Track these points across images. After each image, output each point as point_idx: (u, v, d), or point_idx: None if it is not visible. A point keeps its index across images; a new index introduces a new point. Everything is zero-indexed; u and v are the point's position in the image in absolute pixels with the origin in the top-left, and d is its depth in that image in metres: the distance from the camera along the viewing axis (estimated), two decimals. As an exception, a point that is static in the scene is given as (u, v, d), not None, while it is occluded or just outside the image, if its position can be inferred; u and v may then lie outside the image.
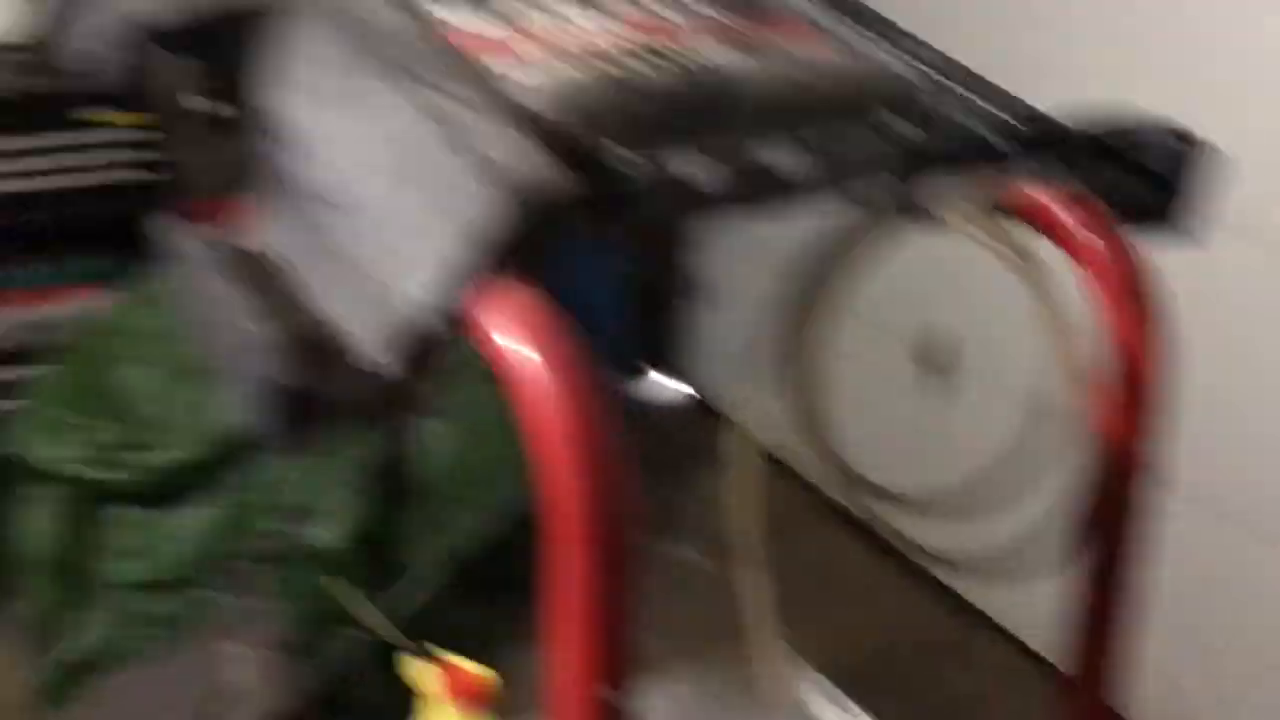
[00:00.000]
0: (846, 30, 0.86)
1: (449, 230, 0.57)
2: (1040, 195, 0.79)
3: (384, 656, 1.38)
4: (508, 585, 2.13)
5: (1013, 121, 0.79)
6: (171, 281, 0.60)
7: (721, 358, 2.42)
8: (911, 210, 0.78)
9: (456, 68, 0.65)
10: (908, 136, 0.76)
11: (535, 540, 0.58)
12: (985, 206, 0.78)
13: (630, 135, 0.69)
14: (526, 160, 0.59)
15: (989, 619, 2.06)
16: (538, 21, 0.75)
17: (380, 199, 0.61)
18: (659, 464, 2.99)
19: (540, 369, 0.57)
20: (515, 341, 0.57)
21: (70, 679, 1.85)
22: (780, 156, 0.71)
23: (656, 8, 0.81)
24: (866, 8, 0.88)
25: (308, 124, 0.65)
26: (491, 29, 0.73)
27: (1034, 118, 0.80)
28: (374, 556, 1.72)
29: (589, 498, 0.56)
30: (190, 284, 0.58)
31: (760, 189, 0.70)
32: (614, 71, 0.71)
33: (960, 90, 0.80)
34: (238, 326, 0.54)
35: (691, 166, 0.68)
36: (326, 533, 1.65)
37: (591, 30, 0.76)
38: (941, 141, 0.77)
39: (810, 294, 0.81)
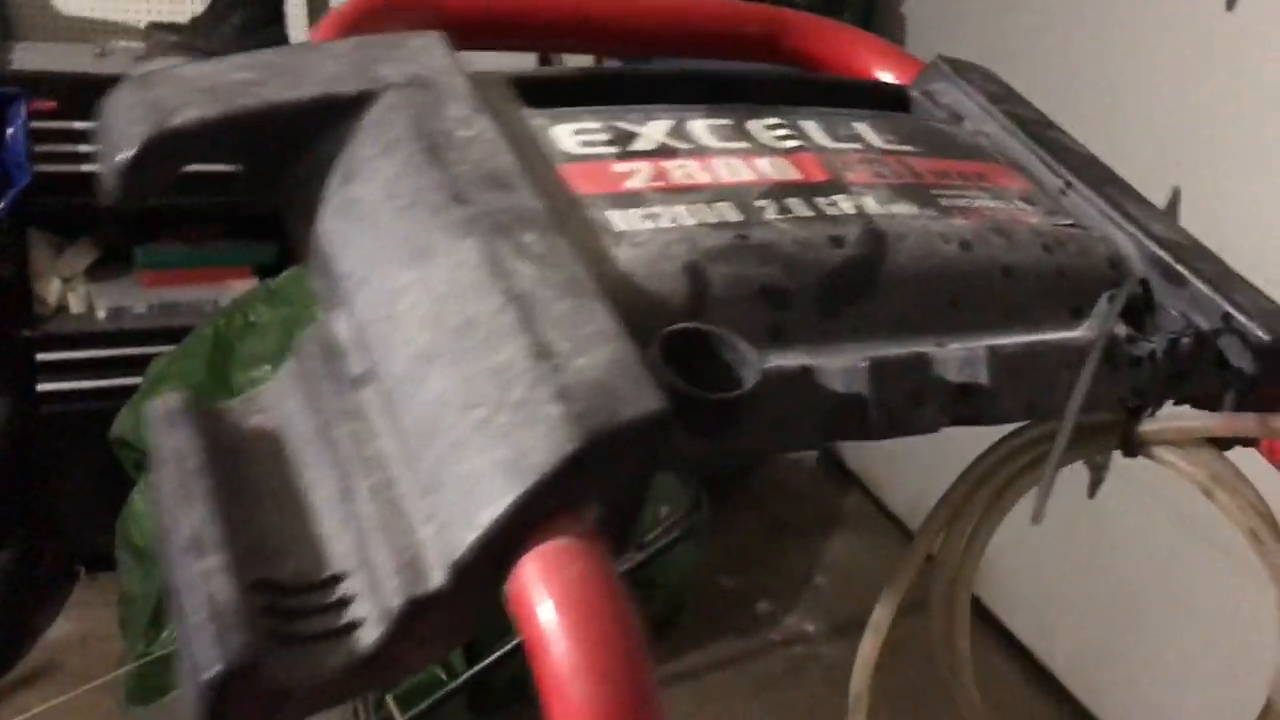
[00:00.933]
0: (1061, 183, 0.68)
1: (498, 452, 0.43)
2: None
3: None
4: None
5: (1260, 332, 0.60)
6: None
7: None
8: (1122, 444, 0.60)
9: (553, 219, 0.51)
10: (1130, 352, 0.58)
11: None
12: (1201, 436, 0.60)
13: (758, 322, 0.54)
14: (611, 370, 0.44)
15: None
16: (673, 149, 0.60)
17: (422, 385, 0.47)
18: (784, 527, 2.83)
19: (577, 661, 0.42)
20: (551, 614, 0.42)
21: (162, 672, 1.82)
22: (959, 368, 0.54)
23: (823, 139, 0.64)
24: (1090, 157, 0.70)
25: (358, 269, 0.51)
26: (614, 159, 0.58)
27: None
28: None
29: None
30: (159, 483, 0.45)
31: (924, 411, 0.54)
32: (756, 230, 0.56)
33: (1199, 284, 0.62)
34: (191, 562, 0.41)
35: (835, 373, 0.52)
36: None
37: (738, 167, 0.60)
38: (1171, 359, 0.59)
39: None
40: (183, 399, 0.46)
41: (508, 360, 0.45)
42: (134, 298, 2.29)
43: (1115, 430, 0.59)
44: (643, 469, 0.45)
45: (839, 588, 2.66)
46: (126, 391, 2.00)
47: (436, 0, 0.69)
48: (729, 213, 0.56)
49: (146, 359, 2.04)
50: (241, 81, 0.54)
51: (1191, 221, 0.68)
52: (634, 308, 0.51)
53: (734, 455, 0.51)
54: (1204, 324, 0.61)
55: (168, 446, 0.44)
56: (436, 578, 0.42)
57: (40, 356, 2.16)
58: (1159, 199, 0.69)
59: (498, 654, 1.89)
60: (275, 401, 0.50)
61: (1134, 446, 0.59)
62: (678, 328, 0.50)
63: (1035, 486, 0.61)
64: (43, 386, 2.16)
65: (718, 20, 0.78)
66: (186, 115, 0.51)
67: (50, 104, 2.12)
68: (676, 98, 0.65)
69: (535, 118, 0.60)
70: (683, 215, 0.55)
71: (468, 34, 0.71)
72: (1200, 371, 0.60)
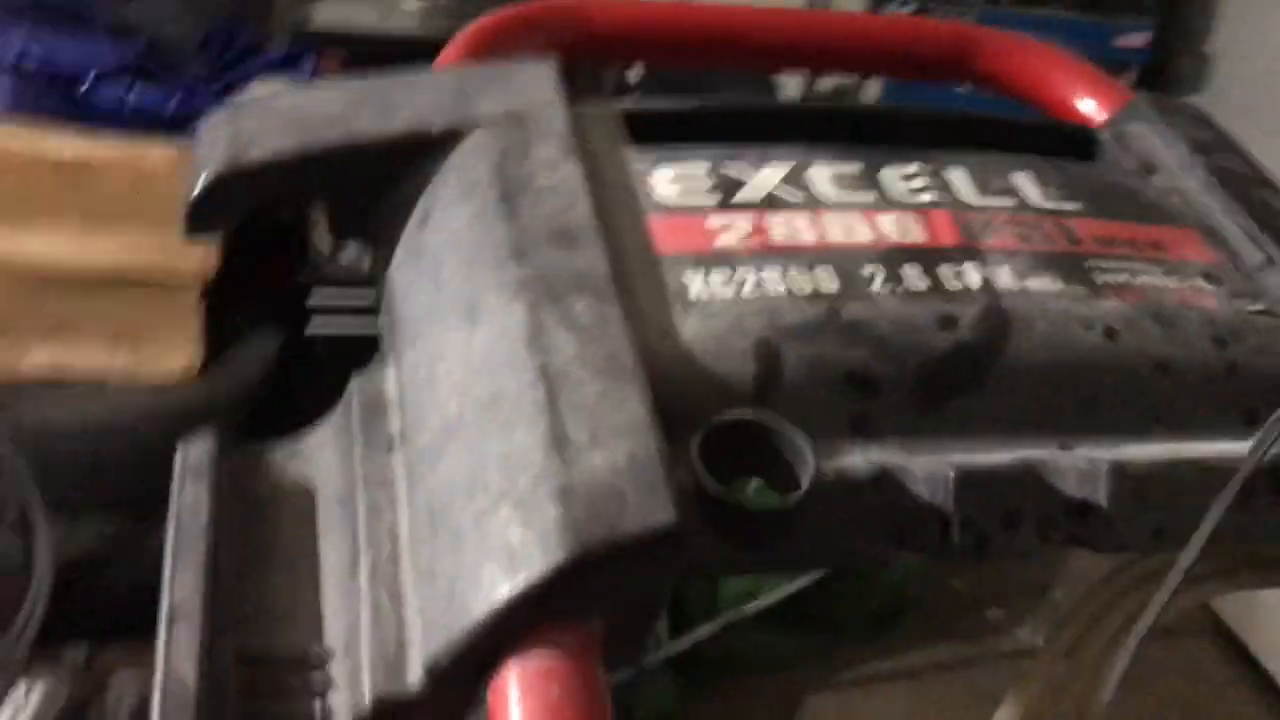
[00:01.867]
0: (1262, 257, 0.58)
1: (491, 550, 0.40)
2: None
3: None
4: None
5: None
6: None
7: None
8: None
9: (616, 283, 0.47)
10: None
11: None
12: None
13: (840, 412, 0.48)
14: (625, 470, 0.40)
15: None
16: (782, 200, 0.55)
17: (440, 460, 0.44)
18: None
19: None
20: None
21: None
22: (1077, 482, 0.47)
23: (969, 192, 0.57)
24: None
25: (414, 322, 0.49)
26: (712, 211, 0.53)
27: None
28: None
29: None
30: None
31: (1022, 533, 0.47)
32: (852, 303, 0.50)
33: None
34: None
35: (918, 480, 0.46)
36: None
37: (854, 224, 0.54)
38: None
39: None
40: (211, 444, 0.46)
41: (521, 446, 0.42)
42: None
43: (1273, 568, 0.50)
44: (652, 583, 0.41)
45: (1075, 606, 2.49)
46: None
47: (584, 14, 0.66)
48: (826, 280, 0.51)
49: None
50: (329, 114, 0.53)
51: None
52: (689, 390, 0.47)
53: (784, 567, 0.46)
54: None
55: (182, 499, 0.44)
56: (413, 679, 0.40)
57: (311, 302, 2.30)
58: None
59: (708, 626, 1.87)
60: (314, 450, 0.49)
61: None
62: (728, 418, 0.45)
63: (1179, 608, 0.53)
64: (312, 331, 2.29)
65: (900, 37, 0.71)
66: (259, 151, 0.50)
67: (335, 61, 2.23)
68: (813, 135, 0.59)
69: (640, 159, 0.56)
70: (772, 281, 0.50)
71: (621, 51, 0.67)
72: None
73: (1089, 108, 0.69)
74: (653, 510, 0.39)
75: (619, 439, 0.41)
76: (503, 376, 0.44)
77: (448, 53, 0.63)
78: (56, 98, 2.05)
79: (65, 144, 1.92)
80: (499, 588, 0.39)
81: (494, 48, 0.63)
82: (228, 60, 2.24)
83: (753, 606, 1.86)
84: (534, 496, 0.40)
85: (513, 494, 0.40)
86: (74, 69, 2.08)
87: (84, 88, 2.08)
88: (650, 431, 0.42)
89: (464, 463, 0.43)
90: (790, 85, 2.83)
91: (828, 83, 2.95)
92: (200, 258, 2.23)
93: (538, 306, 0.45)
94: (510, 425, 0.42)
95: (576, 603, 0.40)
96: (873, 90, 2.67)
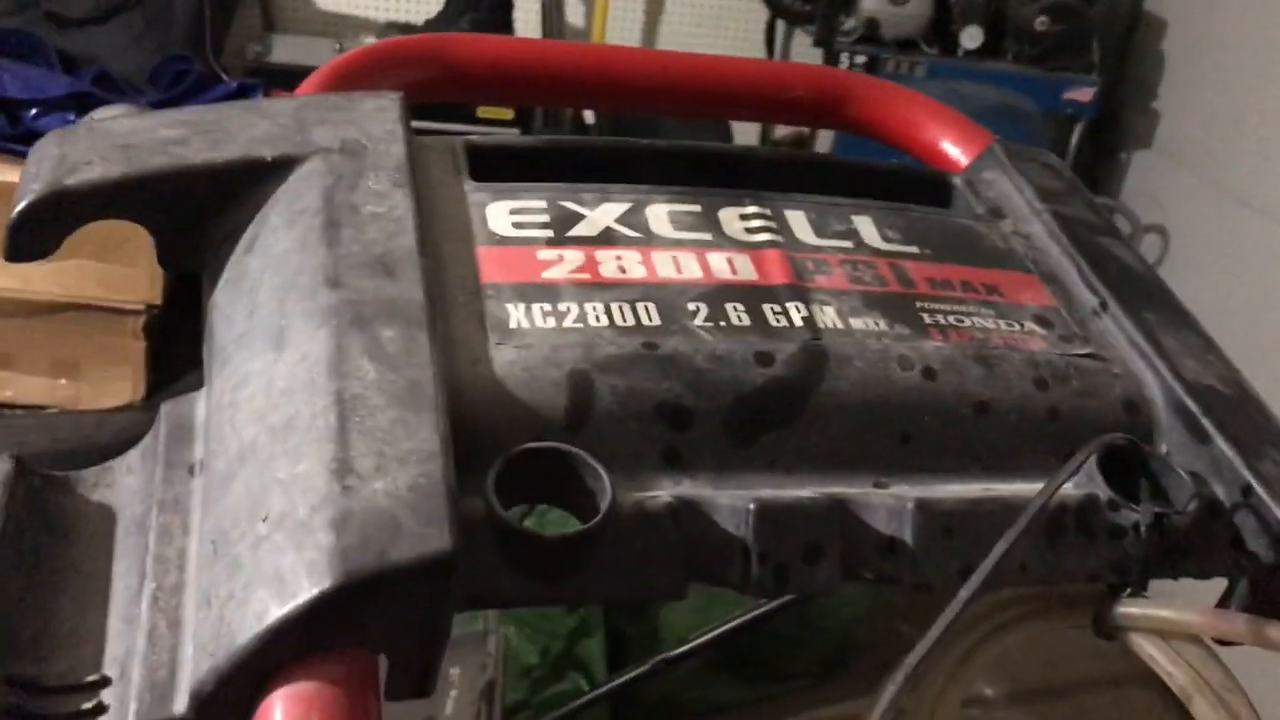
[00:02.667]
0: (1096, 301, 0.58)
1: (262, 578, 0.40)
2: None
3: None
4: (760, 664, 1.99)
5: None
6: None
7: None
8: (1094, 625, 0.51)
9: (430, 312, 0.47)
10: (1111, 520, 0.49)
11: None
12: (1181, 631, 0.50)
13: (652, 444, 0.48)
14: (406, 498, 0.40)
15: None
16: (617, 236, 0.55)
17: (230, 485, 0.44)
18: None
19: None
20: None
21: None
22: (886, 519, 0.47)
23: (806, 233, 0.57)
24: (1141, 273, 0.60)
25: (226, 347, 0.49)
26: (543, 244, 0.54)
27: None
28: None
29: None
30: None
31: (823, 569, 0.47)
32: (671, 338, 0.50)
33: (1222, 444, 0.51)
34: None
35: (724, 512, 0.47)
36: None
37: (687, 261, 0.54)
38: (1164, 534, 0.49)
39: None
40: (7, 468, 0.45)
41: (305, 472, 0.41)
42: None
43: (1089, 607, 0.50)
44: (432, 613, 0.41)
45: (1025, 654, 2.49)
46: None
47: (441, 52, 0.66)
48: (650, 315, 0.51)
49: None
50: (163, 139, 0.53)
51: None
52: (498, 420, 0.47)
53: (583, 599, 0.46)
54: (1223, 495, 0.51)
55: (-28, 522, 0.44)
56: (179, 706, 0.40)
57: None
58: None
59: (645, 665, 1.86)
60: (121, 475, 0.48)
61: (1107, 629, 0.50)
62: (526, 448, 0.45)
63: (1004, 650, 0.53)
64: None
65: (768, 81, 0.72)
66: (82, 176, 0.50)
67: (286, 94, 2.24)
68: (661, 176, 0.59)
69: (479, 192, 0.56)
70: (594, 314, 0.50)
71: (481, 88, 0.68)
72: (1209, 551, 0.50)
73: (954, 153, 0.70)
74: (427, 539, 0.39)
75: (405, 467, 0.41)
76: (299, 402, 0.44)
77: (304, 88, 0.63)
78: (1, 126, 2.05)
79: (5, 171, 1.92)
80: (266, 613, 0.38)
81: (352, 84, 0.64)
82: (178, 94, 2.25)
83: (686, 647, 1.85)
84: (310, 523, 0.40)
85: (290, 520, 0.40)
86: (22, 98, 2.08)
87: (30, 116, 2.08)
88: (438, 460, 0.42)
89: (251, 489, 0.42)
90: (747, 131, 2.86)
91: (784, 130, 2.98)
92: (144, 288, 2.23)
93: (344, 333, 0.45)
94: (299, 452, 0.42)
95: (348, 631, 0.39)
96: (824, 141, 2.70)
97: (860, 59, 2.59)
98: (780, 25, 2.86)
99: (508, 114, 2.37)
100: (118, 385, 2.35)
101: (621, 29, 2.86)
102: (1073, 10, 2.53)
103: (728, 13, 2.91)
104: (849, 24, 2.64)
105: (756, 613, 1.66)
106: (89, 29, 2.26)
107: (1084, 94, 2.61)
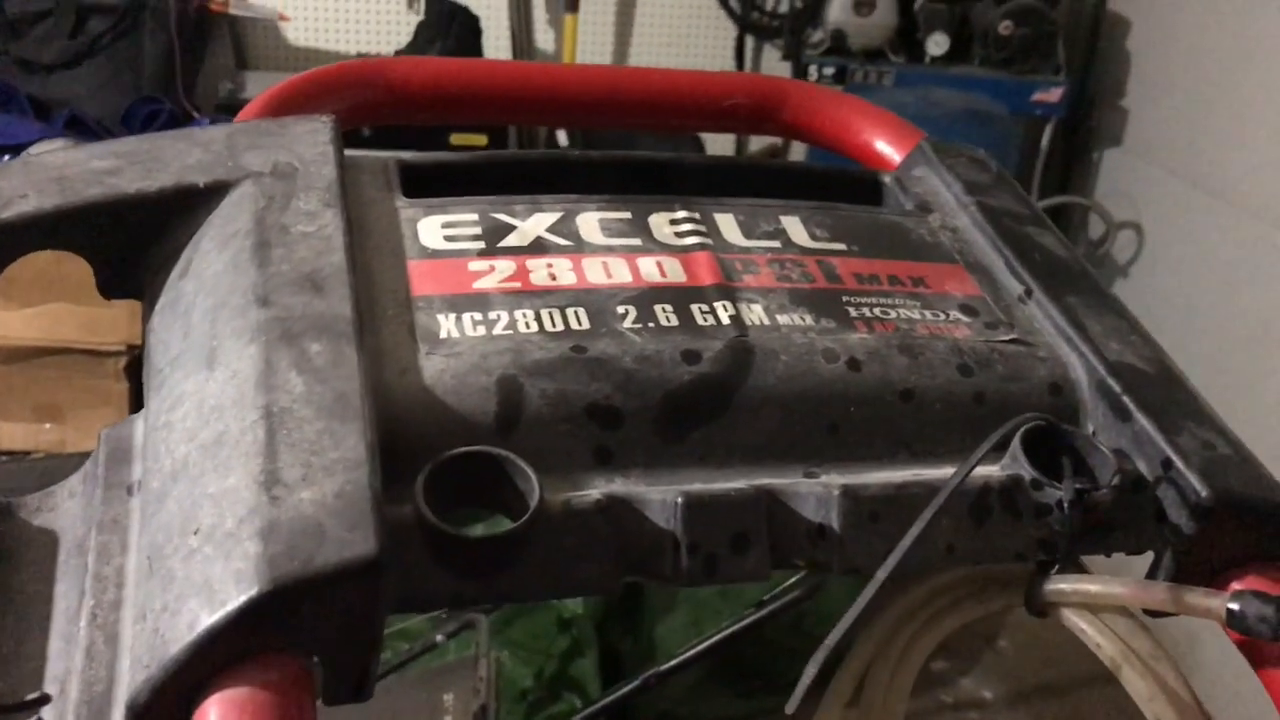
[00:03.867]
0: (1021, 289, 0.59)
1: (193, 589, 0.41)
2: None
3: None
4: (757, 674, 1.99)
5: (1197, 486, 0.50)
6: None
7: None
8: (1026, 603, 0.52)
9: (358, 325, 0.48)
10: (1036, 499, 0.50)
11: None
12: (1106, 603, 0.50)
13: (584, 444, 0.49)
14: (332, 505, 0.41)
15: None
16: (547, 245, 0.56)
17: (164, 502, 0.45)
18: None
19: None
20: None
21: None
22: (814, 506, 0.48)
23: (735, 235, 0.58)
24: (1065, 260, 0.61)
25: (162, 369, 0.50)
26: (474, 256, 0.55)
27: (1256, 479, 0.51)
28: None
29: None
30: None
31: (750, 557, 0.48)
32: (599, 341, 0.51)
33: (1143, 420, 0.52)
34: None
35: (653, 507, 0.48)
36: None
37: (617, 267, 0.55)
38: (1087, 511, 0.50)
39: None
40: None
41: (234, 485, 0.42)
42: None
43: (1021, 586, 0.51)
44: (363, 616, 0.42)
45: (1023, 653, 2.49)
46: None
47: (378, 76, 0.68)
48: (579, 320, 0.52)
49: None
50: (97, 170, 0.54)
51: None
52: (428, 428, 0.48)
53: (516, 597, 0.46)
54: (1145, 470, 0.52)
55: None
56: (117, 718, 0.41)
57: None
58: None
59: (639, 679, 1.85)
60: (63, 499, 0.49)
61: (1038, 606, 0.51)
62: (455, 452, 0.46)
63: (950, 633, 0.54)
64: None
65: (704, 91, 0.73)
66: (19, 209, 0.51)
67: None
68: (595, 185, 0.61)
69: (411, 209, 0.57)
70: (524, 321, 0.52)
71: (419, 110, 0.69)
72: (1134, 525, 0.51)
73: (887, 153, 0.71)
74: (352, 544, 0.40)
75: (331, 476, 0.42)
76: (229, 418, 0.45)
77: (243, 115, 0.64)
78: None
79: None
80: (196, 622, 0.39)
81: (291, 110, 0.65)
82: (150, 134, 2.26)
83: (675, 661, 1.85)
84: (238, 534, 0.41)
85: (220, 532, 0.41)
86: (-5, 141, 2.10)
87: (2, 162, 2.09)
88: (364, 467, 0.43)
89: (183, 505, 0.43)
90: (720, 142, 2.88)
91: (760, 142, 3.00)
92: (124, 328, 2.24)
93: (272, 349, 0.47)
94: (228, 466, 0.43)
95: (279, 636, 0.40)
96: (798, 150, 2.72)
97: (829, 70, 2.62)
98: (750, 40, 2.89)
99: (481, 140, 2.39)
100: (101, 425, 2.35)
101: (591, 51, 2.88)
102: (1036, 13, 2.56)
103: (697, 31, 2.94)
104: (816, 36, 2.67)
105: (744, 623, 1.67)
106: (59, 74, 2.27)
107: (1052, 95, 2.63)
